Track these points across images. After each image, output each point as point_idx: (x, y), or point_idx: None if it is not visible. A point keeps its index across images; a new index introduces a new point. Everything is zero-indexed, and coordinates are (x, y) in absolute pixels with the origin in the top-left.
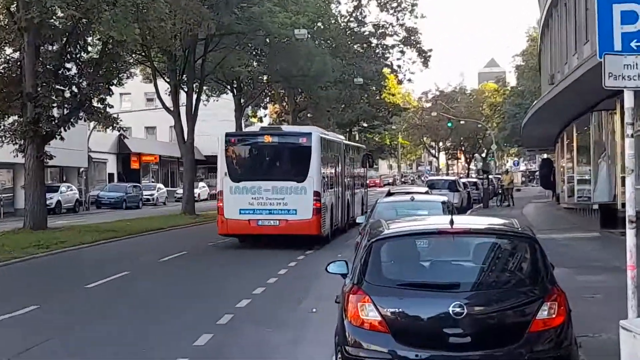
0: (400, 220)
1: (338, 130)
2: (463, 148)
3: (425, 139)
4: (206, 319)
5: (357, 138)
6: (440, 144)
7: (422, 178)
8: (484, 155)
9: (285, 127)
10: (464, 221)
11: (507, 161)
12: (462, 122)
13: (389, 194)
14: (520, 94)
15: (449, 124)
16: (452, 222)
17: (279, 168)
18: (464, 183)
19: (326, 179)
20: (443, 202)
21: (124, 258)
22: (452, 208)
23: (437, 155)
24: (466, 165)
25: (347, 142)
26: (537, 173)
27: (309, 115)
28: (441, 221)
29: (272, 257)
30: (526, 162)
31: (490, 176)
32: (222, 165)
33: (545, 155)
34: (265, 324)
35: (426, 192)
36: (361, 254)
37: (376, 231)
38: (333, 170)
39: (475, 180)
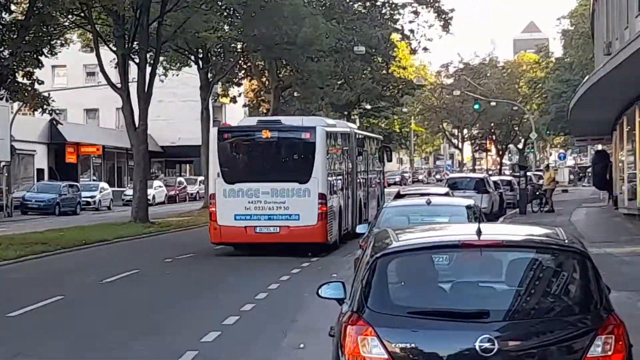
0: (413, 229)
1: (333, 115)
2: (494, 137)
3: (445, 125)
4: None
5: (357, 124)
6: (465, 131)
7: (440, 175)
8: (520, 146)
9: (286, 120)
10: (494, 231)
11: (551, 154)
12: (492, 103)
13: (399, 195)
14: (568, 67)
15: (476, 106)
16: (479, 232)
17: (279, 167)
18: (494, 182)
19: (334, 179)
20: (468, 207)
21: (56, 278)
22: (479, 214)
23: (460, 146)
24: (498, 159)
25: (359, 132)
26: (589, 169)
27: (295, 94)
28: (465, 231)
29: (254, 274)
30: (575, 155)
31: (528, 173)
32: (214, 165)
33: (599, 147)
34: None
35: (446, 194)
36: (362, 273)
37: (382, 244)
38: (342, 168)
39: (509, 178)
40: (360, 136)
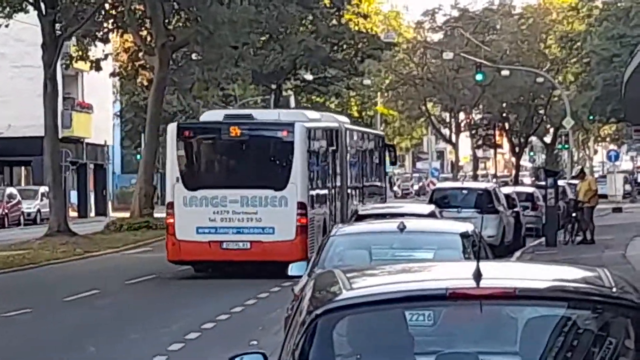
0: (376, 270)
1: (255, 90)
2: (507, 126)
3: (430, 106)
4: None
5: (292, 104)
6: (461, 116)
7: (421, 184)
8: (548, 139)
9: (258, 114)
10: (502, 273)
11: (596, 152)
12: (504, 72)
13: (356, 217)
14: (623, 16)
15: (479, 77)
16: (478, 275)
17: (251, 171)
18: (508, 196)
19: (318, 186)
20: (464, 235)
21: None
22: (481, 246)
23: (454, 139)
24: (513, 160)
25: (352, 127)
26: None
27: (194, 57)
28: (458, 273)
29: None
30: (634, 153)
31: (560, 182)
32: (172, 168)
33: None
34: None
35: (430, 215)
36: (295, 339)
37: (325, 293)
38: (329, 173)
39: (530, 190)
40: (353, 133)
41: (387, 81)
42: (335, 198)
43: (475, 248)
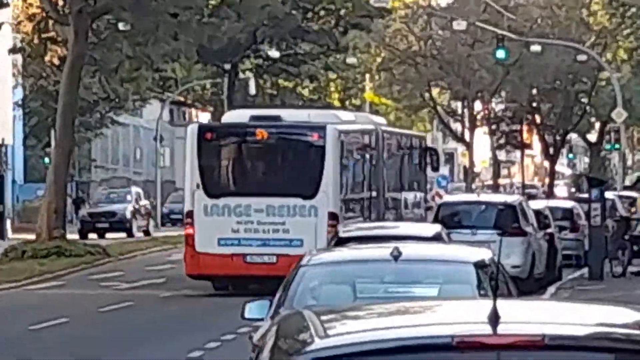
0: (361, 311)
1: (202, 71)
2: (538, 119)
3: (436, 93)
4: None
5: (251, 90)
6: (478, 106)
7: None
8: (593, 138)
9: (287, 115)
10: (527, 315)
11: None
12: (535, 47)
13: (337, 240)
14: None
15: (500, 54)
16: (495, 318)
17: (278, 178)
18: (538, 213)
19: (351, 195)
20: (479, 265)
21: None
22: (500, 279)
23: (468, 137)
24: (546, 164)
25: (390, 129)
26: None
27: (121, 26)
28: (468, 315)
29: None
30: None
31: (609, 194)
32: (192, 173)
33: None
34: None
35: (435, 238)
36: None
37: (292, 343)
38: (364, 180)
39: (569, 204)
40: (391, 135)
41: (378, 59)
42: (371, 209)
43: (495, 281)
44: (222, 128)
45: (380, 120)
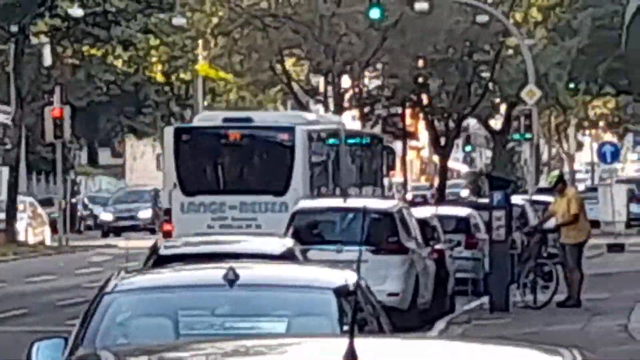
0: (183, 351)
1: None
2: (425, 99)
3: (290, 63)
4: None
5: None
6: (346, 82)
7: None
8: (496, 124)
9: (257, 117)
10: (396, 358)
11: (580, 146)
12: (420, 5)
13: (156, 259)
14: None
15: (375, 13)
16: None
17: (250, 176)
18: (424, 223)
19: (319, 191)
20: (341, 292)
21: None
22: (369, 310)
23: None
24: (436, 158)
25: (350, 129)
26: None
27: None
28: (319, 357)
29: None
30: None
31: (518, 199)
32: (170, 173)
33: None
34: None
35: (285, 256)
36: None
37: None
38: (329, 177)
39: (464, 212)
40: (352, 134)
41: (214, 20)
42: None
43: (364, 315)
44: (197, 130)
45: (340, 119)
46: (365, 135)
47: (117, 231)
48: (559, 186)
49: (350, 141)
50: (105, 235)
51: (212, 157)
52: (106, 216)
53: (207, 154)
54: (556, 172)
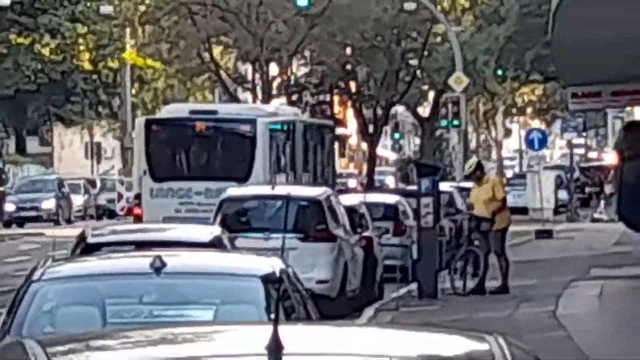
0: (110, 339)
1: None
2: (353, 87)
3: (217, 52)
4: None
5: None
6: (273, 70)
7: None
8: (424, 111)
9: (222, 109)
10: (322, 346)
11: (508, 132)
12: None
13: (83, 247)
14: None
15: (301, 0)
16: (276, 349)
17: (215, 164)
18: (353, 210)
19: (277, 178)
20: (268, 279)
21: None
22: (296, 298)
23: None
24: (364, 145)
25: (305, 119)
26: (611, 176)
27: None
28: (243, 344)
29: None
30: (571, 136)
31: (446, 186)
32: (140, 160)
33: (637, 115)
34: None
35: (212, 244)
36: None
37: None
38: (287, 165)
39: (393, 200)
40: (306, 125)
41: (142, 8)
42: None
43: (291, 301)
44: (166, 121)
45: (296, 110)
46: (318, 124)
47: (20, 222)
48: (477, 173)
49: (305, 131)
50: (7, 225)
51: (180, 146)
52: (9, 206)
53: (174, 143)
54: (474, 160)
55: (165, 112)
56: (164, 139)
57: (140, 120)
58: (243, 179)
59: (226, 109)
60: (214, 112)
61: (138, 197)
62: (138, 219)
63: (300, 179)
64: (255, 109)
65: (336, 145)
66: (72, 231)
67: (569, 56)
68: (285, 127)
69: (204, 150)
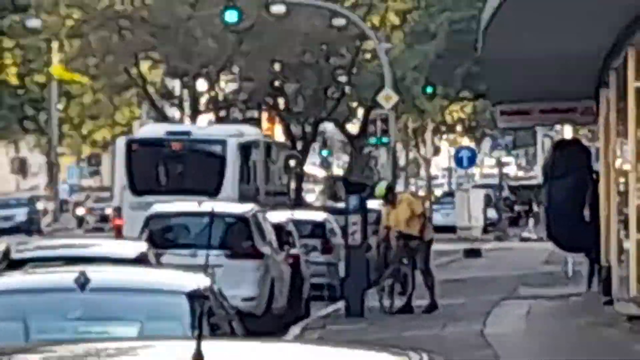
0: (31, 351)
1: None
2: (282, 104)
3: (145, 67)
4: None
5: None
6: (201, 86)
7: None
8: (353, 128)
9: (196, 130)
10: None
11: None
12: (276, 8)
13: (8, 263)
14: None
15: (230, 16)
16: None
17: (188, 179)
18: (279, 227)
19: (244, 192)
20: (193, 296)
21: None
22: (221, 314)
23: (187, 124)
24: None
25: (267, 140)
26: (539, 194)
27: None
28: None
29: None
30: (500, 154)
31: (375, 203)
32: (121, 176)
33: (566, 134)
34: None
35: (139, 260)
36: None
37: None
38: (252, 180)
39: (320, 217)
40: (267, 144)
41: (69, 23)
42: (259, 202)
43: (215, 319)
44: (144, 141)
45: (258, 131)
46: (277, 144)
47: None
48: (390, 197)
49: (266, 149)
50: None
51: (157, 164)
52: None
53: (152, 160)
54: (383, 183)
55: (143, 132)
56: (142, 157)
57: (121, 140)
58: (214, 192)
59: (199, 130)
60: (188, 133)
61: (118, 209)
62: (118, 229)
63: (262, 191)
64: (224, 130)
65: (292, 161)
66: None
67: (498, 73)
68: (250, 146)
69: (178, 167)
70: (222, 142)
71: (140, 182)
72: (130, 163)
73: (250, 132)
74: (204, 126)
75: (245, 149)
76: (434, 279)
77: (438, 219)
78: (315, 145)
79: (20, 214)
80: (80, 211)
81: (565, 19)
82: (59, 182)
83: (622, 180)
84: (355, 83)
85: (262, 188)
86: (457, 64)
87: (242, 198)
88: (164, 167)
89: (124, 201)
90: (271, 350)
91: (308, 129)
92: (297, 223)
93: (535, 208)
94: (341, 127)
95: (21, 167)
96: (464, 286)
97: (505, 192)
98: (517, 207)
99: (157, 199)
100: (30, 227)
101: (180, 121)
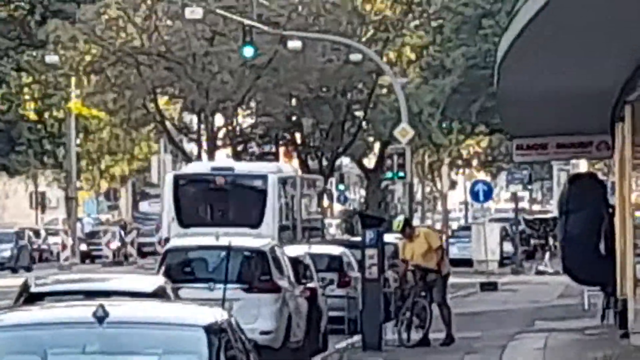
0: None
1: None
2: (299, 138)
3: (163, 102)
4: None
5: None
6: (219, 121)
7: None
8: (370, 162)
9: (239, 166)
10: None
11: (453, 184)
12: (293, 44)
13: (27, 296)
14: None
15: (248, 52)
16: None
17: (232, 212)
18: (297, 261)
19: (283, 224)
20: (211, 330)
21: None
22: (239, 347)
23: (204, 158)
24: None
25: (302, 175)
26: (556, 228)
27: None
28: None
29: None
30: (516, 187)
31: (391, 236)
32: (169, 209)
33: (581, 168)
34: None
35: (156, 294)
36: None
37: None
38: (288, 213)
39: (337, 251)
40: (303, 179)
41: (87, 58)
42: (295, 234)
43: (232, 352)
44: (191, 176)
45: (295, 167)
46: (311, 180)
47: None
48: (407, 231)
49: (301, 185)
50: None
51: (203, 197)
52: None
53: (198, 194)
54: (400, 218)
55: (190, 168)
56: (189, 191)
57: (170, 176)
58: (255, 225)
59: (242, 166)
60: (232, 168)
61: (167, 240)
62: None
63: (300, 227)
64: (265, 167)
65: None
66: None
67: (514, 108)
68: (288, 181)
69: (223, 200)
70: (264, 177)
71: (186, 215)
72: (178, 197)
73: (287, 169)
74: (246, 163)
75: (284, 185)
76: (451, 312)
77: (454, 252)
78: (332, 180)
79: (5, 250)
80: (114, 245)
81: (580, 55)
82: (77, 215)
83: (637, 213)
84: (372, 118)
85: (299, 223)
86: (473, 99)
87: (282, 230)
88: (209, 200)
89: (171, 232)
90: None
91: (325, 163)
92: (314, 257)
93: (551, 241)
94: (358, 161)
95: (40, 202)
96: (480, 319)
97: (522, 226)
98: (533, 241)
99: (202, 231)
100: (16, 265)
101: (199, 156)
